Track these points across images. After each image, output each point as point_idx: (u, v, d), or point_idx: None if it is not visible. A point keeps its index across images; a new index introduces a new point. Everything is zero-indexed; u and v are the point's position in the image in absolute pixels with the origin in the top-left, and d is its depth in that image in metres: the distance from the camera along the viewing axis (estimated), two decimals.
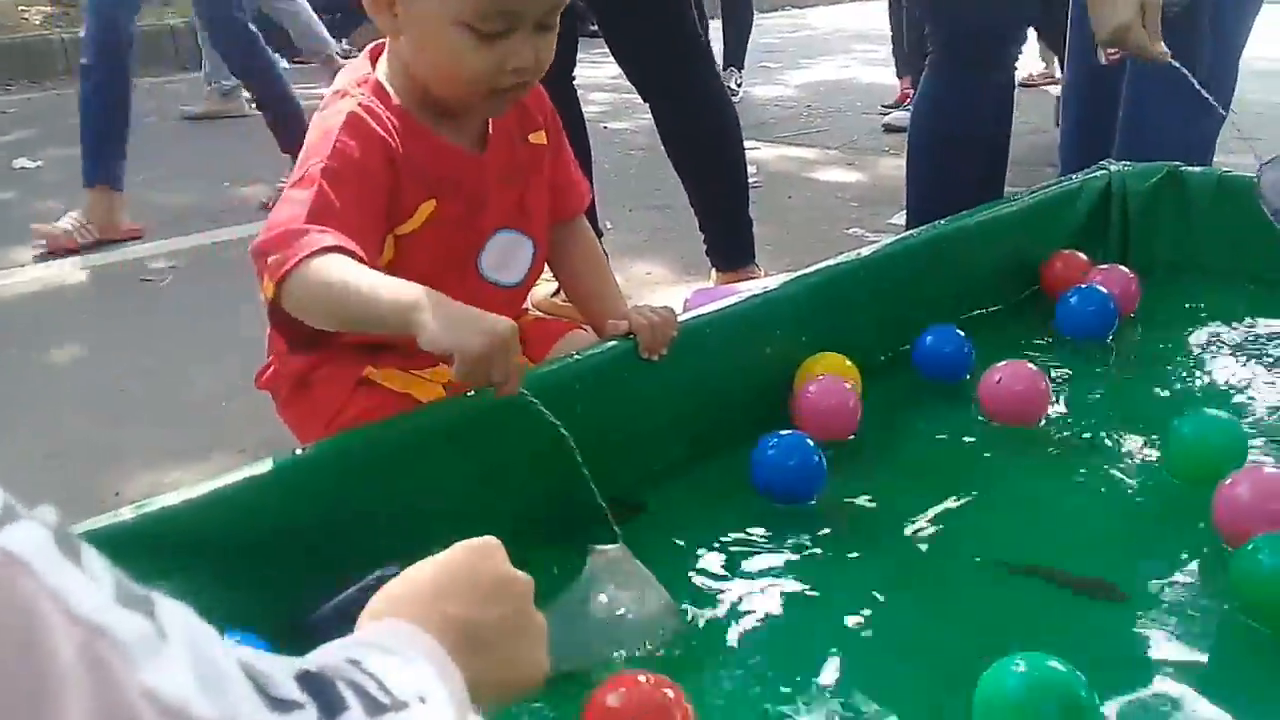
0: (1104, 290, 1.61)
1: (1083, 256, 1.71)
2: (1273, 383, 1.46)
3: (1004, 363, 1.36)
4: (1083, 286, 1.62)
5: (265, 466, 0.98)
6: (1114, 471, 1.25)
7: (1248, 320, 1.65)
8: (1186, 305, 1.70)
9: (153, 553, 0.91)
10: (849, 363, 1.40)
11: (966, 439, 1.35)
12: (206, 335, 2.41)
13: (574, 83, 2.28)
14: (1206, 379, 1.49)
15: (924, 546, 1.13)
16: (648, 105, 2.31)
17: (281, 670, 0.42)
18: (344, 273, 0.98)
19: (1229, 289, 1.73)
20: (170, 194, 3.65)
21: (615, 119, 4.74)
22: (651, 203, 3.39)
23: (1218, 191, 1.81)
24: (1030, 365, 1.38)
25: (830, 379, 1.34)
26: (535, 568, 0.66)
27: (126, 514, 0.92)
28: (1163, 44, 1.74)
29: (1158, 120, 2.08)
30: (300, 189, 1.04)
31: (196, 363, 2.23)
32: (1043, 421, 1.36)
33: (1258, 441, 1.28)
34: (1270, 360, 1.52)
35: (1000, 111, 2.15)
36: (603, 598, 0.96)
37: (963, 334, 1.47)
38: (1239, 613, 0.98)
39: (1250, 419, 1.36)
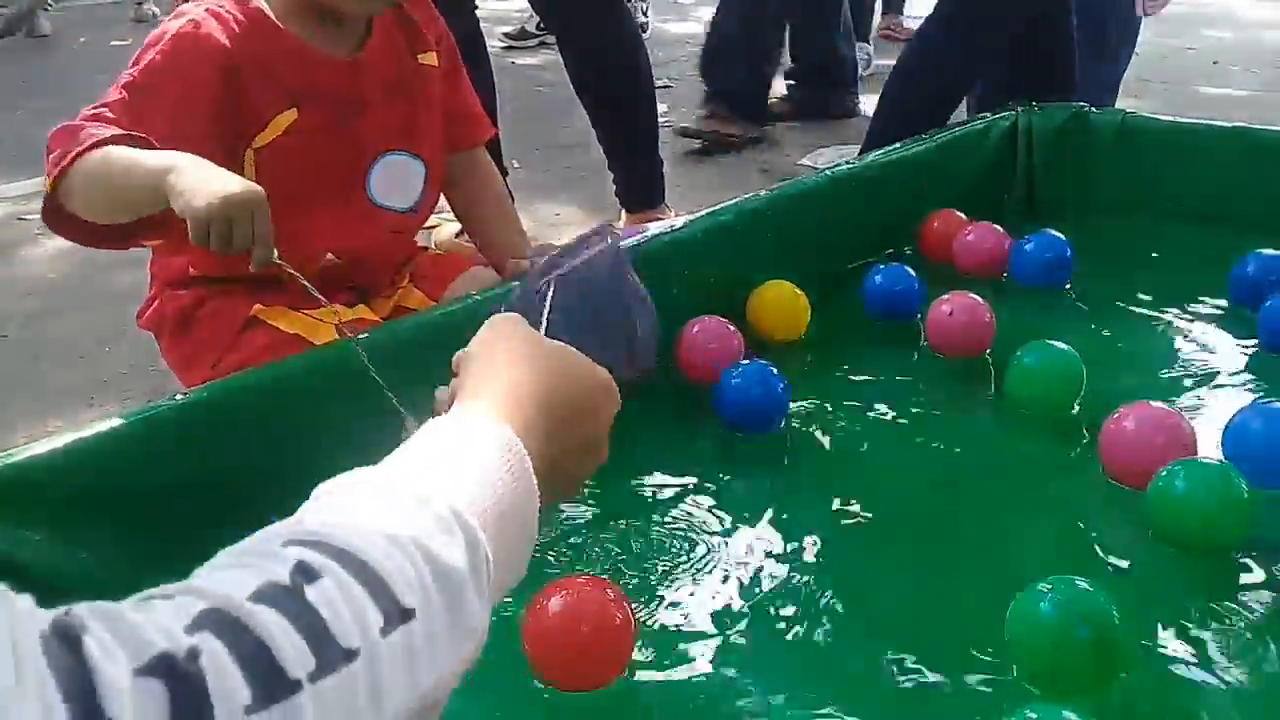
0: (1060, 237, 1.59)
1: (960, 215, 1.67)
2: (1165, 317, 1.49)
3: (951, 294, 1.36)
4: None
5: (141, 415, 0.93)
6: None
7: (1151, 253, 1.67)
8: (1095, 242, 1.72)
9: (23, 505, 0.86)
10: (797, 289, 1.41)
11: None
12: (86, 278, 2.30)
13: (476, 13, 2.20)
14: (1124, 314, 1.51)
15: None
16: (556, 44, 2.25)
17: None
18: (113, 157, 0.93)
19: (1132, 225, 1.75)
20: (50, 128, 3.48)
21: (522, 54, 4.64)
22: (559, 142, 3.32)
23: (1120, 132, 1.82)
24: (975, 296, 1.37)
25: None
26: None
27: None
28: None
29: None
30: (106, 96, 1.00)
31: (76, 307, 2.13)
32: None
33: (1147, 377, 1.30)
34: (1171, 294, 1.54)
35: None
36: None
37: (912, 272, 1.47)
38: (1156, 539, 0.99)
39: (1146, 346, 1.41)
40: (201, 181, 0.88)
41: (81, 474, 0.89)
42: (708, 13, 5.89)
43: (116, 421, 0.92)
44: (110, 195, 0.97)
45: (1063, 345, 1.22)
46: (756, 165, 3.13)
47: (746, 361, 1.24)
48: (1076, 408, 1.21)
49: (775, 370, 1.22)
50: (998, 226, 1.61)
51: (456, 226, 2.27)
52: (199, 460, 0.94)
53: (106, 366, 1.89)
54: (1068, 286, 1.56)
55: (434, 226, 2.35)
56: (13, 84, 4.11)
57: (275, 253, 0.92)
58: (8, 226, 2.66)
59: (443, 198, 1.30)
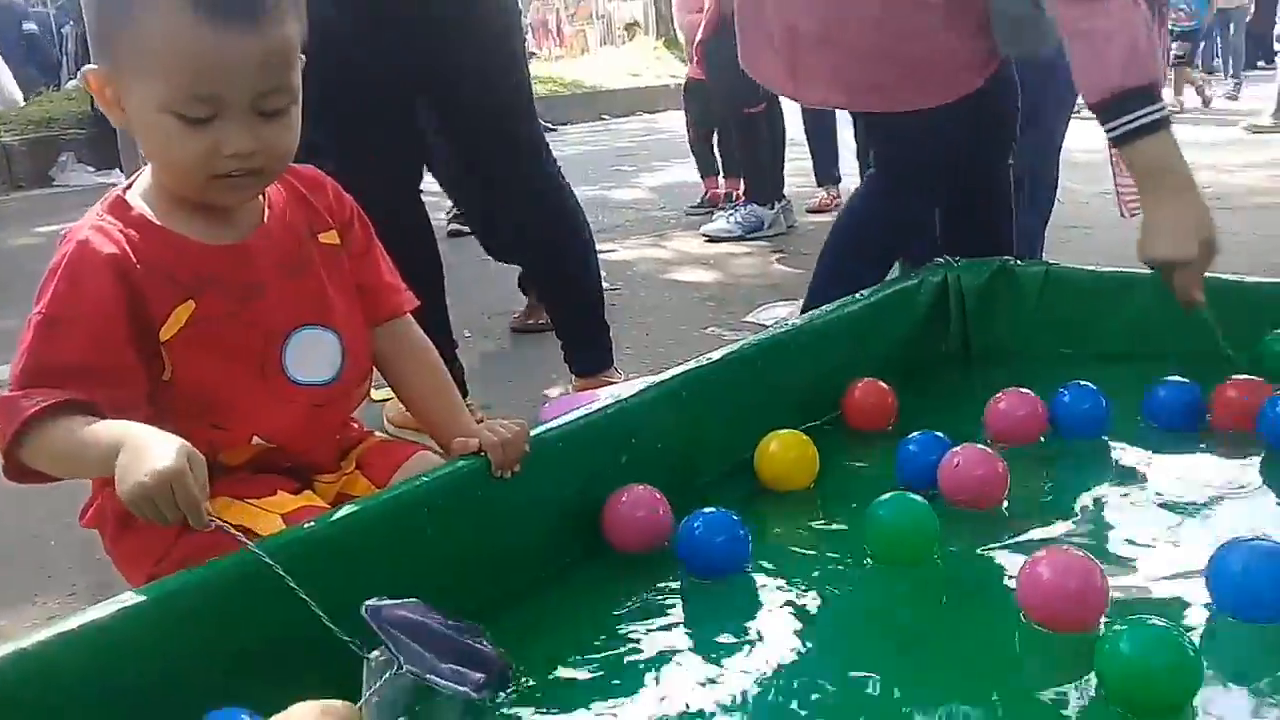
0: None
1: (884, 385, 1.68)
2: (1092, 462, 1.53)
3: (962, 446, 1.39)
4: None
5: (92, 614, 0.91)
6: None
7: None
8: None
9: None
10: (804, 436, 1.48)
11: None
12: None
13: (420, 194, 2.27)
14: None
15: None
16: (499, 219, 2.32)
17: None
18: (58, 436, 1.02)
19: (1061, 369, 1.79)
20: None
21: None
22: (508, 309, 3.39)
23: (1045, 282, 1.90)
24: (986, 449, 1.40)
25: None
26: None
27: None
28: (1202, 294, 1.66)
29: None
30: (26, 339, 1.07)
31: (19, 499, 2.09)
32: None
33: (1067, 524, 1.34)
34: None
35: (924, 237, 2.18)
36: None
37: None
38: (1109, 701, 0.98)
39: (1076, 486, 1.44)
40: (134, 462, 0.94)
41: (32, 679, 0.86)
42: (649, 179, 6.10)
43: (69, 624, 0.90)
44: (68, 469, 1.06)
45: (916, 497, 1.27)
46: (704, 320, 3.21)
47: (710, 510, 1.27)
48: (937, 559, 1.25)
49: (736, 516, 1.27)
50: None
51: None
52: (145, 662, 0.92)
53: (50, 559, 1.86)
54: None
55: (385, 400, 2.36)
56: None
57: (207, 517, 0.95)
58: None
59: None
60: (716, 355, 1.59)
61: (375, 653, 0.95)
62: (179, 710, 0.90)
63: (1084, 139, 2.64)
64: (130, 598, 0.94)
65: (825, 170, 4.98)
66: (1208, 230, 1.64)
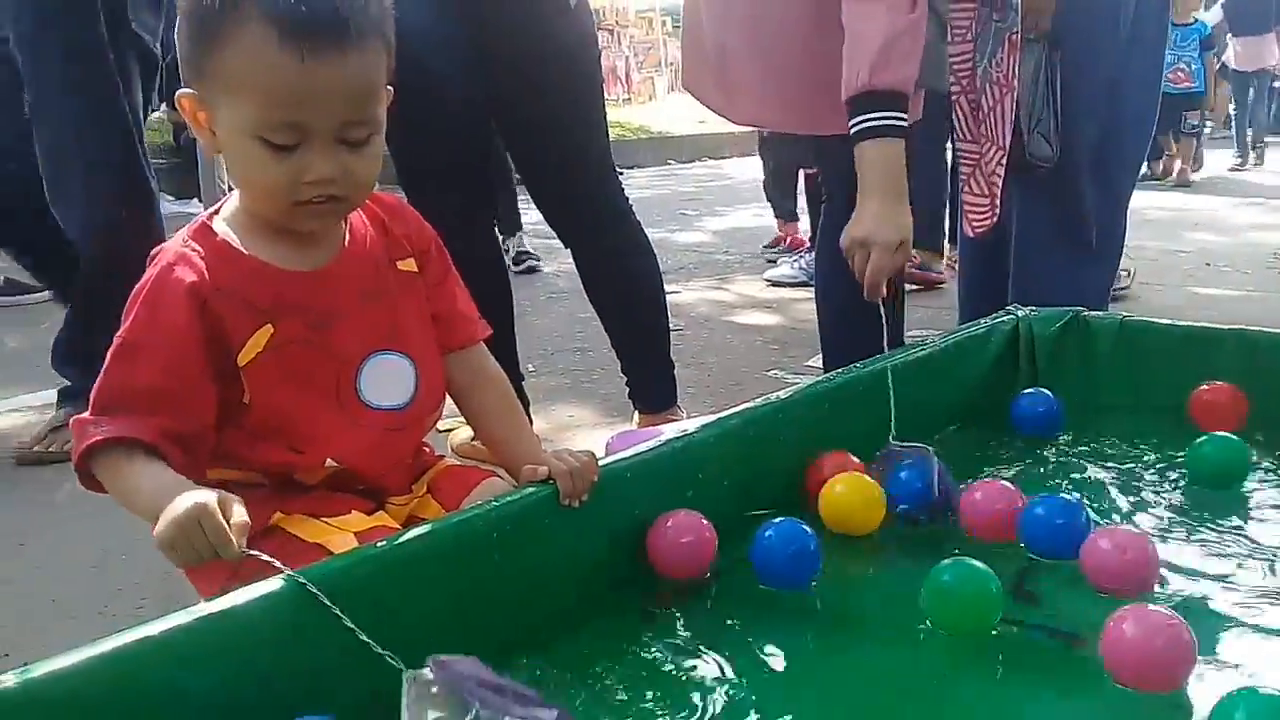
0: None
1: (854, 458, 1.54)
2: (1170, 504, 1.50)
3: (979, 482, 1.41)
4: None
5: (160, 625, 0.93)
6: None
7: (1152, 452, 1.69)
8: (1099, 439, 1.75)
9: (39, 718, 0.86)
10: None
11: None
12: None
13: (494, 226, 2.31)
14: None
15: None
16: (569, 249, 2.35)
17: None
18: (118, 473, 1.07)
19: (1134, 424, 1.77)
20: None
21: (541, 261, 4.81)
22: (573, 345, 3.42)
23: (1120, 335, 1.87)
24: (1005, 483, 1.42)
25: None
26: None
27: (10, 679, 0.86)
28: (884, 291, 1.74)
29: (1049, 269, 2.16)
30: (108, 361, 1.11)
31: (95, 515, 2.14)
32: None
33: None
34: (1170, 485, 1.56)
35: None
36: None
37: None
38: None
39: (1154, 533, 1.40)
40: (168, 510, 0.97)
41: (101, 688, 0.88)
42: (713, 222, 6.13)
43: (137, 634, 0.92)
44: (119, 501, 1.10)
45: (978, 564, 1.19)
46: (766, 363, 3.20)
47: (780, 520, 1.30)
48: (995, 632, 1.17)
49: (808, 528, 1.28)
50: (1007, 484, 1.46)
51: (470, 431, 2.31)
52: (218, 674, 0.94)
53: (122, 574, 1.89)
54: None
55: (450, 430, 2.39)
56: (39, 298, 4.24)
57: (240, 546, 0.97)
58: (30, 435, 2.70)
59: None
60: (782, 395, 1.59)
61: (415, 671, 0.95)
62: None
63: (1154, 198, 2.62)
64: (199, 610, 0.96)
65: None
66: (906, 234, 1.74)
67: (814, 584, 1.29)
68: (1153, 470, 1.62)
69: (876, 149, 1.73)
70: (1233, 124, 9.97)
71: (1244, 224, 5.76)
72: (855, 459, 1.53)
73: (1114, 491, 1.56)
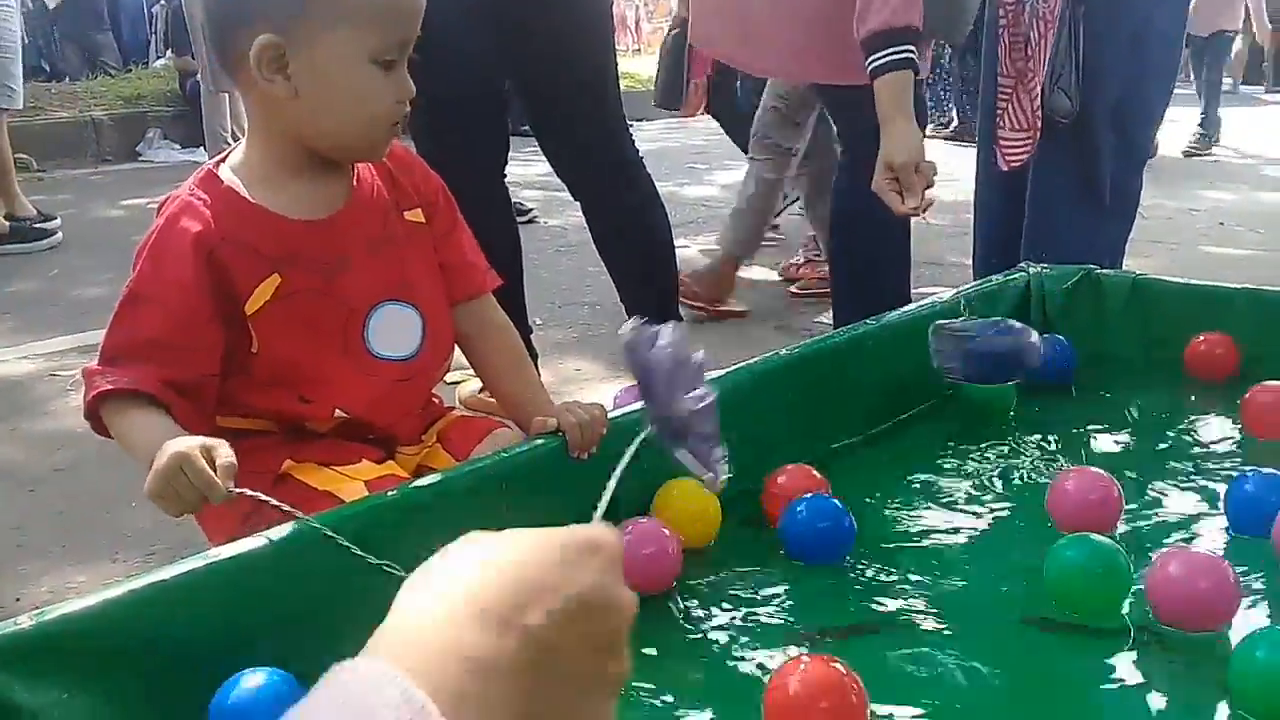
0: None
1: (816, 474, 1.38)
2: (1177, 464, 1.50)
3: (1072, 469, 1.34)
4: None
5: (171, 571, 0.94)
6: None
7: (1163, 413, 1.69)
8: (1106, 396, 1.74)
9: (52, 663, 0.87)
10: (705, 491, 1.27)
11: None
12: None
13: (505, 179, 2.29)
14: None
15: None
16: (578, 203, 2.33)
17: None
18: (120, 422, 1.10)
19: (1146, 383, 1.77)
20: (83, 287, 3.58)
21: (546, 215, 4.78)
22: (581, 299, 3.40)
23: (1131, 292, 1.86)
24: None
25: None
26: None
27: (25, 622, 0.87)
28: (914, 202, 1.83)
29: (1064, 225, 2.15)
30: (117, 310, 1.13)
31: (104, 461, 2.15)
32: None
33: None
34: (1183, 446, 1.55)
35: None
36: None
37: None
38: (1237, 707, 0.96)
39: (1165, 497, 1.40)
40: (155, 462, 0.99)
41: (112, 632, 0.89)
42: (722, 176, 6.09)
43: (150, 578, 0.93)
44: (123, 447, 1.12)
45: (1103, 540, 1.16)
46: (774, 318, 3.20)
47: (811, 495, 1.27)
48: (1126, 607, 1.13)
49: (840, 503, 1.26)
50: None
51: (478, 383, 2.31)
52: (228, 617, 0.95)
53: (131, 521, 1.91)
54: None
55: (458, 382, 2.39)
56: (49, 245, 4.24)
57: (226, 488, 0.98)
58: (40, 382, 2.72)
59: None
60: (788, 352, 1.58)
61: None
62: (262, 664, 0.92)
63: (1171, 154, 2.59)
64: (203, 558, 0.96)
65: None
66: (925, 154, 1.86)
67: (847, 559, 1.25)
68: (1168, 428, 1.62)
69: (901, 79, 1.85)
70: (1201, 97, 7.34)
71: (1260, 182, 5.71)
72: (816, 474, 1.37)
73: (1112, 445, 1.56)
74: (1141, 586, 1.11)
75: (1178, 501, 1.40)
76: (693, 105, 4.75)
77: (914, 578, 1.22)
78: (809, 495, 1.27)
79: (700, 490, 1.26)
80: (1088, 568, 1.12)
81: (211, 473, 0.97)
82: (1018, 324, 1.62)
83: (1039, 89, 2.09)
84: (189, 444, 0.98)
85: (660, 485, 1.28)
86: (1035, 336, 1.61)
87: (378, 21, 1.10)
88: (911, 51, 1.86)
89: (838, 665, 0.93)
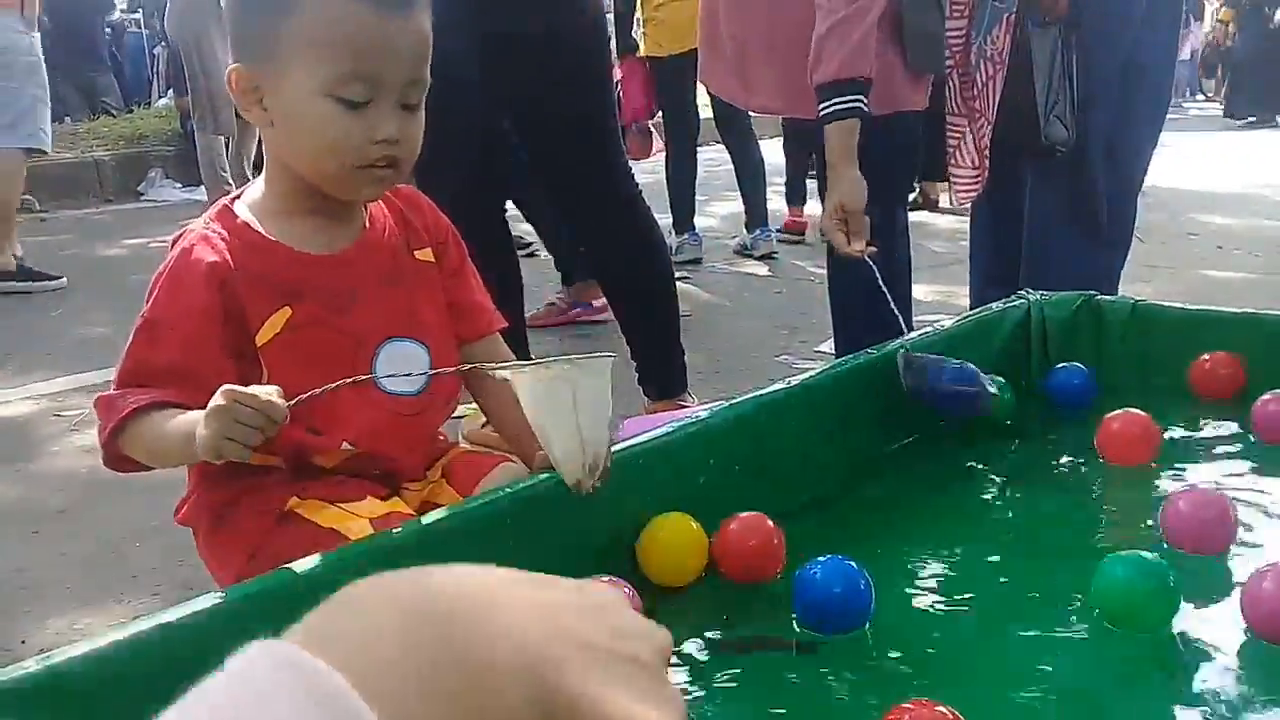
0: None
1: (769, 521, 1.27)
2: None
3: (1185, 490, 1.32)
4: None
5: (178, 613, 0.93)
6: None
7: (1169, 435, 1.68)
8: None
9: (60, 707, 0.86)
10: (694, 524, 1.24)
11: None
12: (118, 473, 2.34)
13: (505, 212, 2.31)
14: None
15: None
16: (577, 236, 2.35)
17: None
18: (147, 429, 1.08)
19: (1147, 406, 1.77)
20: (86, 326, 3.59)
21: (546, 250, 4.80)
22: (582, 331, 3.41)
23: (1131, 318, 1.86)
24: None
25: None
26: None
27: (31, 665, 0.86)
28: (860, 245, 1.91)
29: (1061, 252, 2.17)
30: (131, 340, 1.13)
31: (108, 501, 2.15)
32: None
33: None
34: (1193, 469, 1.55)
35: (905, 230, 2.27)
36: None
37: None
38: None
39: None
40: (201, 426, 1.00)
41: (120, 675, 0.89)
42: (721, 207, 6.11)
43: (158, 620, 0.92)
44: (158, 458, 1.12)
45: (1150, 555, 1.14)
46: (776, 348, 3.20)
47: (824, 559, 1.13)
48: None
49: (855, 564, 1.13)
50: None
51: (484, 418, 2.31)
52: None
53: (136, 561, 1.90)
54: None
55: (462, 417, 2.39)
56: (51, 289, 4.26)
57: (285, 404, 1.00)
58: (42, 422, 2.72)
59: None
60: (794, 381, 1.58)
61: None
62: None
63: (1165, 180, 2.61)
64: (211, 598, 0.96)
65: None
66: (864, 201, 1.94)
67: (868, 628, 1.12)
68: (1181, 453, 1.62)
69: (846, 127, 1.92)
70: None
71: (1258, 206, 5.73)
72: (770, 522, 1.26)
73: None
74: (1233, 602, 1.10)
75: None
76: (635, 150, 4.85)
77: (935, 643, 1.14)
78: (824, 559, 1.13)
79: (689, 524, 1.24)
80: (1137, 584, 1.11)
81: (267, 395, 0.98)
82: (973, 369, 1.60)
83: (987, 128, 2.14)
84: (224, 389, 0.99)
85: (645, 524, 1.25)
86: (990, 386, 1.61)
87: (335, 56, 1.09)
88: (859, 100, 1.92)
89: (943, 710, 0.88)
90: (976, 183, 2.19)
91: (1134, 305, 1.88)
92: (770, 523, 1.25)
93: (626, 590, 1.05)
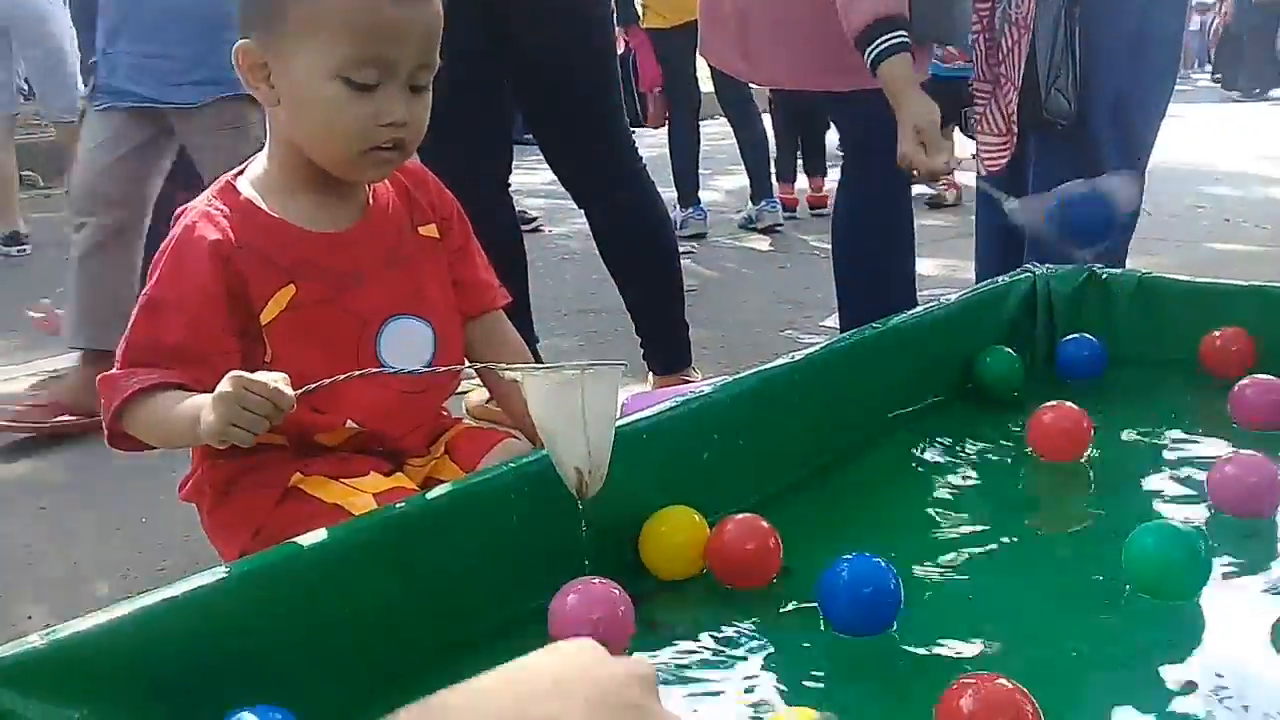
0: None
1: (764, 522, 1.19)
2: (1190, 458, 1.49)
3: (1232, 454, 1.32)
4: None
5: (183, 587, 0.93)
6: None
7: (1171, 405, 1.68)
8: (1119, 394, 1.73)
9: (65, 682, 0.86)
10: (697, 517, 1.19)
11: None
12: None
13: (510, 190, 2.30)
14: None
15: None
16: (582, 210, 2.34)
17: None
18: (151, 410, 1.08)
19: (1154, 379, 1.76)
20: None
21: (550, 223, 4.79)
22: (586, 307, 3.41)
23: (1138, 291, 1.86)
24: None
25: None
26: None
27: (36, 640, 0.87)
28: (943, 158, 1.91)
29: None
30: (134, 317, 1.13)
31: (114, 477, 2.16)
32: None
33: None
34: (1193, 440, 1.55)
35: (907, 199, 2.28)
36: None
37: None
38: None
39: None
40: (210, 400, 1.00)
41: (125, 650, 0.89)
42: (726, 181, 6.09)
43: (160, 595, 0.92)
44: (163, 439, 1.11)
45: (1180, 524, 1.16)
46: (781, 323, 3.19)
47: (850, 557, 1.08)
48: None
49: (884, 563, 1.07)
50: None
51: (486, 393, 2.31)
52: (242, 635, 0.95)
53: (142, 538, 1.91)
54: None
55: (465, 393, 2.39)
56: (57, 261, 4.25)
57: (294, 393, 1.00)
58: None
59: None
60: (799, 356, 1.58)
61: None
62: (279, 682, 0.92)
63: (1172, 153, 2.59)
64: (216, 573, 0.96)
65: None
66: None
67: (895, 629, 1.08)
68: (1171, 422, 1.62)
69: (901, 61, 1.92)
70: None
71: (1266, 178, 5.69)
72: (764, 522, 1.18)
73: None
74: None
75: None
76: (655, 117, 4.92)
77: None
78: (850, 558, 1.08)
79: (692, 518, 1.19)
80: (1168, 553, 1.11)
81: (274, 381, 0.98)
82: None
83: (1014, 94, 2.10)
84: (234, 374, 0.98)
85: (648, 510, 1.21)
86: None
87: (346, 36, 1.08)
88: (901, 35, 1.92)
89: (1004, 682, 0.86)
90: (1005, 149, 2.15)
91: (1140, 278, 1.87)
92: (765, 524, 1.17)
93: (615, 590, 1.03)
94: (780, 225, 4.78)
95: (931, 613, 1.12)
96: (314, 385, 1.02)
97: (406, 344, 1.21)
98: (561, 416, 1.03)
